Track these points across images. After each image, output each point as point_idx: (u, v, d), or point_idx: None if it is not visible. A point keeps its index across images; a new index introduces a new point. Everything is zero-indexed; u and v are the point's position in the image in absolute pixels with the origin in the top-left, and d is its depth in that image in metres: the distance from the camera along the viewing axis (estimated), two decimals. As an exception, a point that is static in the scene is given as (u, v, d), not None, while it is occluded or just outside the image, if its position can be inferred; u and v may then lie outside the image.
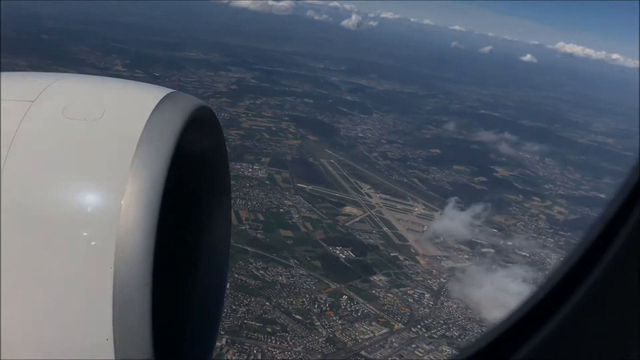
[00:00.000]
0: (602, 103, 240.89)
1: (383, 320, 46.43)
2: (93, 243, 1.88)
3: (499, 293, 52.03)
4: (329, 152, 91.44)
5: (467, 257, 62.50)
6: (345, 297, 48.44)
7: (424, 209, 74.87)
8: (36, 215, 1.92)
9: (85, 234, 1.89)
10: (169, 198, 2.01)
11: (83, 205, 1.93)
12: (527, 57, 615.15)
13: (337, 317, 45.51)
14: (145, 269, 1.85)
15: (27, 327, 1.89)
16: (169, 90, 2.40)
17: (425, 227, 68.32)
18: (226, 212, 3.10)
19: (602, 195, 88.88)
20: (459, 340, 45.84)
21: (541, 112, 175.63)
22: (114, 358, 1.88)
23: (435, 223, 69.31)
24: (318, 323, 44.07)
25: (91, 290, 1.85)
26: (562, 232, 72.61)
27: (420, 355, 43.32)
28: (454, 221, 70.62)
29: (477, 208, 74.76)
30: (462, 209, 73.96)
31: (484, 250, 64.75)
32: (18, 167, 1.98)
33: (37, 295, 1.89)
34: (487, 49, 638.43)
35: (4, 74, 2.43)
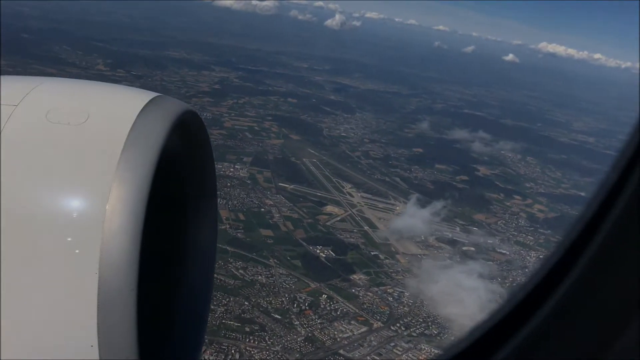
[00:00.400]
0: (583, 102, 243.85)
1: (362, 319, 46.56)
2: (77, 248, 1.84)
3: (475, 291, 52.77)
4: (312, 151, 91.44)
5: (447, 255, 62.78)
6: (324, 296, 48.48)
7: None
8: (19, 220, 1.89)
9: (69, 239, 1.86)
10: (154, 203, 1.98)
11: (67, 210, 1.89)
12: (510, 57, 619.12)
13: (317, 316, 45.55)
14: (130, 275, 1.82)
15: (9, 333, 1.85)
16: (154, 94, 2.38)
17: (395, 222, 68.40)
18: (212, 215, 3.09)
19: (582, 194, 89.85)
20: (438, 338, 46.16)
21: (523, 112, 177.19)
22: None
23: (414, 221, 69.49)
24: (297, 322, 44.09)
25: (75, 297, 1.82)
26: (542, 230, 73.24)
27: (399, 353, 43.48)
28: (435, 219, 71.03)
29: (458, 207, 75.38)
30: (444, 208, 74.45)
31: (464, 248, 65.12)
32: (1, 172, 1.94)
33: (20, 301, 1.85)
34: (469, 48, 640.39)
35: None
